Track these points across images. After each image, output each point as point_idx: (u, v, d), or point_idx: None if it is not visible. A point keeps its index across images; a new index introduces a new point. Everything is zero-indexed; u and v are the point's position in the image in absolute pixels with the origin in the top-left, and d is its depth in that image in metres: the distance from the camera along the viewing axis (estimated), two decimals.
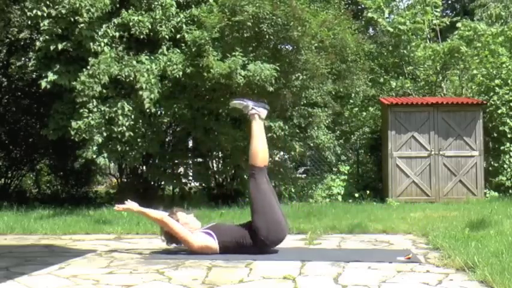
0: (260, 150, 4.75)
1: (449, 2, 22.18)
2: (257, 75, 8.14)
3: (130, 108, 8.38)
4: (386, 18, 13.24)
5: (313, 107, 9.89)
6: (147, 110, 8.37)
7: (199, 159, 10.49)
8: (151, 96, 8.19)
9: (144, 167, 10.13)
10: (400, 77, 12.86)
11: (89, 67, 8.12)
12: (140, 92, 8.18)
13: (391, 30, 12.54)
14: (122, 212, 7.65)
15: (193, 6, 9.12)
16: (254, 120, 4.83)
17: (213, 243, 4.45)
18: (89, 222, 6.83)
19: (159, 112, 9.15)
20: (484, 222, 5.94)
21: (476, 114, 10.33)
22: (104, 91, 8.26)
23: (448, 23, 13.84)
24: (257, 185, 4.61)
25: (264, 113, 4.89)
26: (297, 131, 9.81)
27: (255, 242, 4.43)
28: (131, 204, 4.68)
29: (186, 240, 4.48)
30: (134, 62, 8.35)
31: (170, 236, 4.58)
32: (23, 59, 10.26)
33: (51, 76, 8.20)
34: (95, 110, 8.24)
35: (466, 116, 10.33)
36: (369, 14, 12.92)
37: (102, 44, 8.29)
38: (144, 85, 8.16)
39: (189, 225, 4.57)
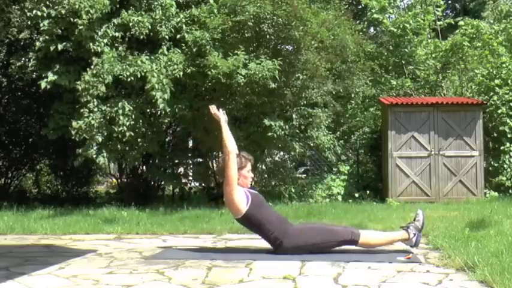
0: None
1: (449, 1, 22.19)
2: (258, 72, 8.15)
3: (131, 108, 8.38)
4: (388, 17, 13.23)
5: (313, 107, 9.89)
6: (161, 111, 8.40)
7: (199, 159, 10.49)
8: (164, 96, 8.19)
9: (144, 167, 10.13)
10: (401, 77, 12.85)
11: (92, 66, 8.13)
12: (153, 93, 8.15)
13: (395, 30, 12.53)
14: (122, 212, 7.68)
15: (193, 6, 9.13)
16: None
17: (243, 206, 4.45)
18: (89, 222, 6.82)
19: (159, 112, 9.16)
20: (484, 222, 5.93)
21: (476, 114, 10.32)
22: (105, 90, 8.25)
23: (453, 22, 13.85)
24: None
25: (408, 243, 4.57)
26: (297, 131, 9.81)
27: (275, 239, 4.41)
28: (222, 116, 4.71)
29: (229, 184, 4.47)
30: (139, 62, 8.34)
31: (223, 168, 4.56)
32: (23, 59, 10.25)
33: (51, 76, 8.21)
34: (96, 109, 8.25)
35: (466, 116, 10.32)
36: (374, 15, 12.90)
37: (102, 44, 8.30)
38: (156, 85, 8.15)
39: (244, 179, 4.58)
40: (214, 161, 10.66)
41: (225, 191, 4.52)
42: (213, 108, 4.81)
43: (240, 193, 4.49)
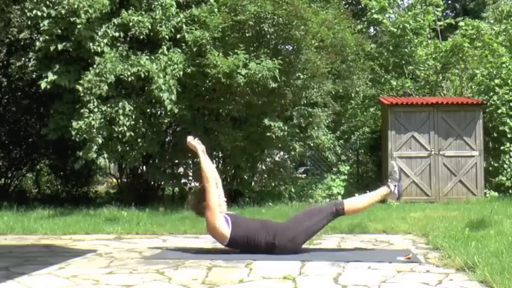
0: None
1: (449, 1, 22.19)
2: (258, 72, 8.14)
3: (131, 108, 8.38)
4: (388, 17, 13.24)
5: (313, 107, 9.89)
6: (162, 112, 8.47)
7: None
8: (171, 97, 8.19)
9: (144, 167, 10.12)
10: (401, 77, 12.85)
11: (95, 66, 8.13)
12: (160, 94, 8.15)
13: (395, 30, 12.53)
14: (122, 212, 7.68)
15: (193, 6, 9.13)
16: None
17: (226, 231, 4.48)
18: (89, 222, 6.82)
19: (159, 112, 9.16)
20: (484, 222, 5.93)
21: (476, 114, 10.33)
22: (107, 90, 8.25)
23: (453, 22, 13.84)
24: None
25: (392, 197, 4.72)
26: (297, 131, 9.81)
27: (266, 244, 4.42)
28: (198, 145, 4.76)
29: (211, 212, 4.50)
30: (142, 62, 8.34)
31: (199, 202, 4.63)
32: (23, 59, 10.26)
33: (51, 76, 8.19)
34: (96, 110, 8.24)
35: (466, 116, 10.32)
36: (374, 15, 12.90)
37: (102, 44, 8.29)
38: (163, 86, 8.15)
39: (220, 206, 4.63)
40: (214, 161, 10.66)
41: (208, 218, 4.54)
42: (189, 138, 4.84)
43: (222, 219, 4.53)
